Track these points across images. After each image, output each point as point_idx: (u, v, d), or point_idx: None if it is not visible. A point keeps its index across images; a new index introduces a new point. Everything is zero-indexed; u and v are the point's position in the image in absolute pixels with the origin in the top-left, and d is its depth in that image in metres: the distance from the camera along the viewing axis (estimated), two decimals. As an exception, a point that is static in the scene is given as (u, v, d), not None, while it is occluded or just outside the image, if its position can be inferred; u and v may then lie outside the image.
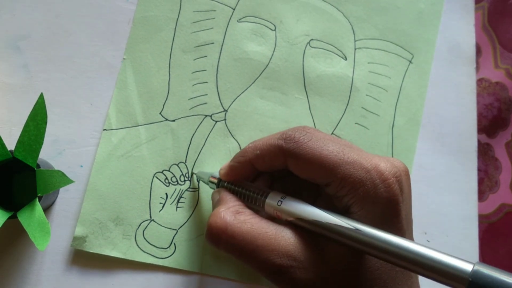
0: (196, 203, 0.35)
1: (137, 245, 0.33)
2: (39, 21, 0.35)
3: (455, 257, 0.22)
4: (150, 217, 0.34)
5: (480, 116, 0.44)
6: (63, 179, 0.27)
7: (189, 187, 0.35)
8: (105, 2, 0.36)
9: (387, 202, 0.25)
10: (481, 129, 0.44)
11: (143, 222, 0.34)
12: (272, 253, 0.25)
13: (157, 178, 0.34)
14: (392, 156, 0.39)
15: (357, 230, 0.24)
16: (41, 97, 0.27)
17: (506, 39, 0.45)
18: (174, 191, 0.35)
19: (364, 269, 0.26)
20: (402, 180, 0.26)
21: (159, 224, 0.34)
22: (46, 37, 0.35)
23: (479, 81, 0.45)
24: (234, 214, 0.27)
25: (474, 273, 0.21)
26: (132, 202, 0.34)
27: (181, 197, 0.35)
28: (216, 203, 0.30)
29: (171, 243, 0.34)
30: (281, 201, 0.27)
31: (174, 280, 0.34)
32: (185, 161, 0.35)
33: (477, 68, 0.44)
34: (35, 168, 0.28)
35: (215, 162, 0.36)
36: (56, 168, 0.33)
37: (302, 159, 0.27)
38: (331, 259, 0.25)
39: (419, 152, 0.40)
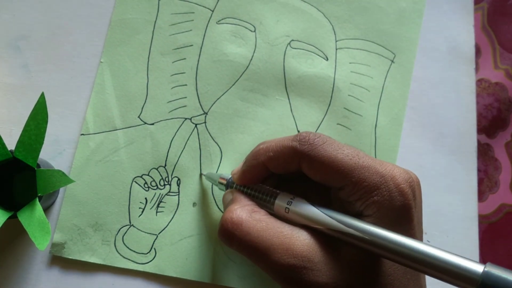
0: (176, 207, 0.34)
1: (117, 251, 0.33)
2: (39, 21, 0.35)
3: (466, 258, 0.22)
4: (130, 222, 0.33)
5: (480, 117, 0.44)
6: (63, 179, 0.27)
7: (169, 191, 0.34)
8: (105, 2, 0.36)
9: (401, 207, 0.25)
10: (481, 129, 0.44)
11: (122, 227, 0.33)
12: (286, 253, 0.25)
13: (136, 182, 0.34)
14: (375, 156, 0.38)
15: (369, 232, 0.24)
16: (42, 96, 0.27)
17: (505, 40, 0.45)
18: (154, 196, 0.34)
19: (377, 274, 0.25)
20: (415, 188, 0.26)
21: (139, 229, 0.34)
22: (46, 37, 0.35)
23: (479, 82, 0.45)
24: (249, 212, 0.27)
25: (485, 274, 0.21)
26: (111, 208, 0.33)
27: (161, 201, 0.34)
28: (229, 203, 0.29)
29: (151, 248, 0.33)
30: (288, 208, 0.27)
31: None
32: (165, 165, 0.35)
33: (477, 69, 0.44)
34: (35, 168, 0.28)
35: (196, 166, 0.35)
36: (56, 168, 0.33)
37: (316, 162, 0.26)
38: (345, 263, 0.25)
39: (419, 152, 0.40)
